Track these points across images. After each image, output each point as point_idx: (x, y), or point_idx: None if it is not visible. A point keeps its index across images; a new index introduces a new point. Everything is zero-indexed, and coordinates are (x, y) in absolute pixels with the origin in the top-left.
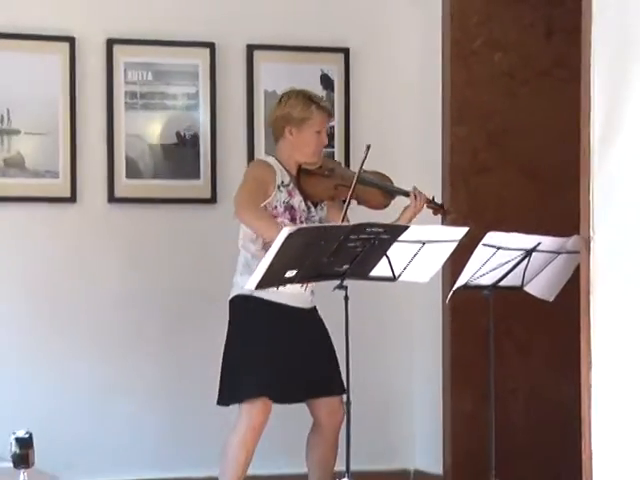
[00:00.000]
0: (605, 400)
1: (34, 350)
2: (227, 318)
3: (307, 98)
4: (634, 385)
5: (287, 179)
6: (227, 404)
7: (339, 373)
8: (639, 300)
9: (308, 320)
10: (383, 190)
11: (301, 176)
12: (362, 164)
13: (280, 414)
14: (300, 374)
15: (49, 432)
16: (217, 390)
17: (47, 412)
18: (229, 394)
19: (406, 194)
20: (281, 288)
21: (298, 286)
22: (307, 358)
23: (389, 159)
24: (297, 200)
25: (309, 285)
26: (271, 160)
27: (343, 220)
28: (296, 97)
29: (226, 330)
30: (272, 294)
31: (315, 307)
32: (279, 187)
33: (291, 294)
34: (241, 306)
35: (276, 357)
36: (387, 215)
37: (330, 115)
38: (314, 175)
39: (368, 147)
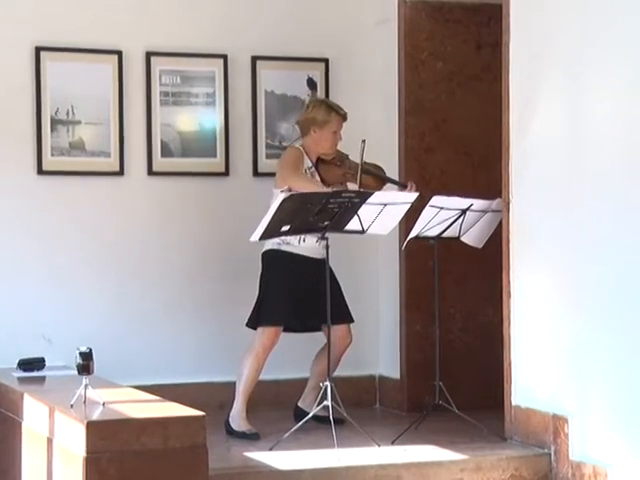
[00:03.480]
0: (520, 321)
1: (91, 287)
2: (236, 261)
3: (328, 106)
4: (542, 309)
5: (310, 164)
6: (252, 327)
7: (346, 306)
8: (544, 246)
9: (320, 267)
10: (378, 178)
11: (319, 164)
12: (362, 156)
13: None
14: (314, 307)
15: (105, 347)
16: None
17: (103, 332)
18: (254, 320)
19: (401, 185)
20: (301, 243)
21: (314, 241)
22: (318, 296)
23: (359, 141)
24: (318, 182)
25: (322, 241)
26: (300, 148)
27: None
28: (320, 105)
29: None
30: (294, 247)
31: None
32: (306, 170)
33: (308, 247)
34: (271, 257)
35: (290, 294)
36: None
37: (345, 119)
38: (329, 164)
39: (363, 142)
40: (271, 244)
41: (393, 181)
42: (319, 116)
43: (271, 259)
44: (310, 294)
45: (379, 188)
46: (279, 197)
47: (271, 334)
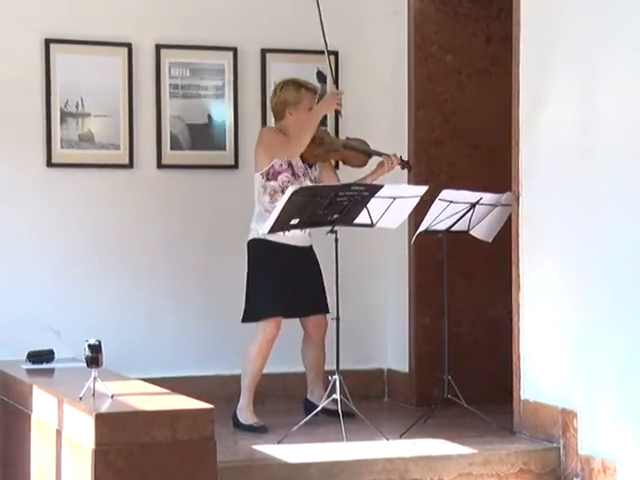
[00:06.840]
0: (530, 315)
1: (100, 279)
2: (245, 254)
3: (297, 84)
4: (551, 303)
5: None
6: (250, 321)
7: (325, 296)
8: (554, 240)
9: (306, 255)
10: (363, 153)
11: None
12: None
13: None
14: (300, 296)
15: (114, 340)
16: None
17: (112, 325)
18: (251, 314)
19: (381, 155)
20: (285, 232)
21: (298, 229)
22: (305, 284)
23: (369, 134)
24: (295, 159)
25: (307, 230)
26: (274, 128)
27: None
28: (287, 84)
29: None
30: (279, 237)
31: (311, 246)
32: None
33: (293, 236)
34: (256, 247)
35: (284, 284)
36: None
37: (316, 94)
38: (310, 144)
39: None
40: (256, 233)
41: (378, 153)
42: (290, 96)
43: (257, 249)
44: (297, 283)
45: (365, 163)
46: (288, 190)
47: (273, 327)
